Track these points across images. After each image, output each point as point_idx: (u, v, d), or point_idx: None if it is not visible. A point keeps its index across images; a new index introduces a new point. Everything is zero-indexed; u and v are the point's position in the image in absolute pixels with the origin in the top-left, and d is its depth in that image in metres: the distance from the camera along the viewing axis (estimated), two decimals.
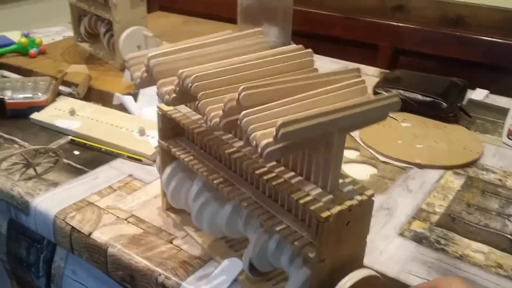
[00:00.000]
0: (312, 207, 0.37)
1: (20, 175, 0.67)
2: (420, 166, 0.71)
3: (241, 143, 0.46)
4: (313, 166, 0.39)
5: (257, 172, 0.42)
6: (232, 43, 0.50)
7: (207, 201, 0.51)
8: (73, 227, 0.58)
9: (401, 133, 0.80)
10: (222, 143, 0.47)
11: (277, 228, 0.41)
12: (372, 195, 0.40)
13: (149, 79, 0.47)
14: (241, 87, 0.36)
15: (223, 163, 0.50)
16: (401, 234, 0.58)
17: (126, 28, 0.91)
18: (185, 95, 0.43)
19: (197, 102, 0.41)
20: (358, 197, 0.39)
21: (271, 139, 0.35)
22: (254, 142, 0.35)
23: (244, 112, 0.35)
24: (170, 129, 0.54)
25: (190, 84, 0.41)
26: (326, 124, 0.35)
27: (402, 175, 0.69)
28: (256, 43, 0.50)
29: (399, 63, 1.32)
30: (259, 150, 0.35)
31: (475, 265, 0.54)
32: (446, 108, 0.83)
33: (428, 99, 0.84)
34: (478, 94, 0.96)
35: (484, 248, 0.56)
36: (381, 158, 0.73)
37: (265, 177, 0.42)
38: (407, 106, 0.85)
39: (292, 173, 0.42)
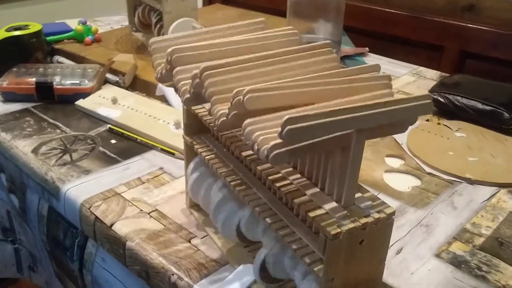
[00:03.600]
0: (321, 222, 0.34)
1: (56, 160, 0.68)
2: (471, 182, 0.65)
3: None
4: (328, 176, 0.36)
5: (270, 178, 0.39)
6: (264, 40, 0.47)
7: (224, 199, 0.48)
8: (96, 217, 0.58)
9: (454, 143, 0.73)
10: (241, 144, 0.44)
11: (289, 240, 0.38)
12: (393, 214, 0.35)
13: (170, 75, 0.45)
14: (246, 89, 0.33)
15: (244, 164, 0.47)
16: (438, 256, 0.53)
17: (176, 19, 0.90)
18: (199, 97, 0.41)
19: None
20: (376, 215, 0.35)
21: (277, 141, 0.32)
22: (256, 147, 0.32)
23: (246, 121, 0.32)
24: (195, 124, 0.52)
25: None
26: (340, 123, 0.31)
27: (448, 189, 0.63)
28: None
29: (465, 68, 1.23)
30: (265, 153, 0.32)
31: None
32: (508, 119, 0.75)
33: (489, 108, 0.77)
34: None
35: None
36: (427, 170, 0.67)
37: (278, 184, 0.39)
38: (464, 115, 0.79)
39: (307, 182, 0.38)
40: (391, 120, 0.33)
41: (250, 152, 0.43)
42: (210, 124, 0.47)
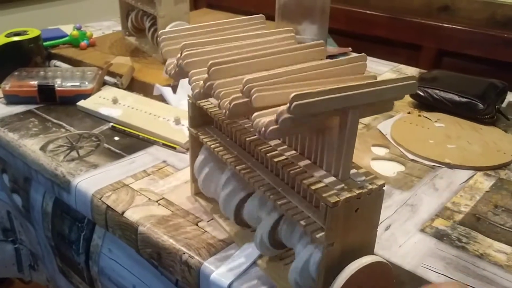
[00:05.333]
0: (322, 193, 0.39)
1: (64, 156, 0.72)
2: (450, 166, 0.71)
3: None
4: (325, 154, 0.41)
5: (274, 159, 0.44)
6: (262, 39, 0.52)
7: (234, 190, 0.53)
8: (108, 206, 0.62)
9: (434, 133, 0.79)
10: (245, 131, 0.49)
11: (291, 213, 0.43)
12: (383, 185, 0.41)
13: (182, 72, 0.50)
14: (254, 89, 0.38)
15: (246, 150, 0.52)
16: (422, 230, 0.58)
17: (169, 22, 0.95)
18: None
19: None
20: (368, 186, 0.40)
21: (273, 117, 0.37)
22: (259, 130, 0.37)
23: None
24: (199, 117, 0.57)
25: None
26: (339, 100, 0.36)
27: (430, 173, 0.69)
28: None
29: (442, 65, 1.30)
30: (263, 130, 0.37)
31: (495, 265, 0.54)
32: (482, 110, 0.82)
33: (464, 100, 0.83)
34: None
35: (508, 249, 0.56)
36: (410, 157, 0.73)
37: (281, 164, 0.44)
38: (442, 107, 0.85)
39: (307, 161, 0.43)
40: (382, 98, 0.39)
41: (254, 137, 0.48)
42: (218, 115, 0.52)
